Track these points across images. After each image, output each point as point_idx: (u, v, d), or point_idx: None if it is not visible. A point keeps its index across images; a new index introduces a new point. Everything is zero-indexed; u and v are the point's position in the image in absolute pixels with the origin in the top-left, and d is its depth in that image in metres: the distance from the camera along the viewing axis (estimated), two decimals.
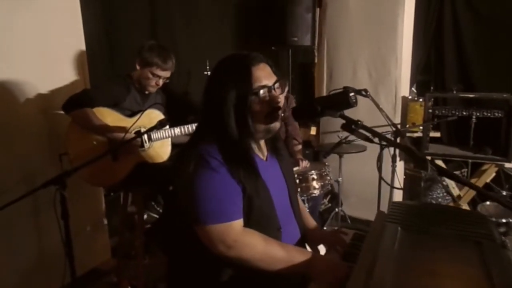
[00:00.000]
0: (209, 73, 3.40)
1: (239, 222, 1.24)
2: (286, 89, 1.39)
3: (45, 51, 2.36)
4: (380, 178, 2.46)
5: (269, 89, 1.29)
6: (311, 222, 1.65)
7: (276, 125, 1.33)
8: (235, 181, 1.23)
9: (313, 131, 4.32)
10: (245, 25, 4.10)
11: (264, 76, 1.29)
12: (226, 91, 1.26)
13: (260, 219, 1.29)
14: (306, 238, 1.55)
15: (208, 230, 1.21)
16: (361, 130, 1.29)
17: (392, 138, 2.51)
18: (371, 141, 1.30)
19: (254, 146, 1.37)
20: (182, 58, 3.58)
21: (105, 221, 2.87)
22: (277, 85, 1.31)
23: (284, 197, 1.46)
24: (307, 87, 4.61)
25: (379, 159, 2.63)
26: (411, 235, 1.27)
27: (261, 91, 1.27)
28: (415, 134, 3.45)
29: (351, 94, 1.29)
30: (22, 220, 2.29)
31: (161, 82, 2.35)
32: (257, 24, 4.11)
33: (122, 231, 2.70)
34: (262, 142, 1.41)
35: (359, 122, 1.29)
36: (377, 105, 2.47)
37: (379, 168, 2.49)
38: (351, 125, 1.29)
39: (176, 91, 3.61)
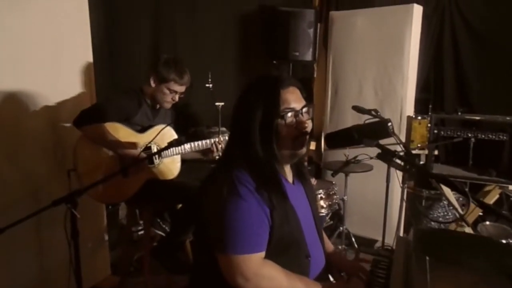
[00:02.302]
0: (210, 85, 3.41)
1: (260, 255, 1.21)
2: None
3: (53, 63, 2.30)
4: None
5: (296, 113, 1.27)
6: (329, 245, 1.63)
7: (303, 151, 1.31)
8: (264, 210, 1.20)
9: (312, 145, 4.31)
10: (248, 39, 4.11)
11: (293, 100, 1.27)
12: (253, 112, 1.24)
13: (290, 246, 1.27)
14: (328, 265, 1.53)
15: (229, 259, 1.18)
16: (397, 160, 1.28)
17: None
18: (408, 171, 1.29)
19: (281, 169, 1.35)
20: None
21: (106, 237, 2.79)
22: (305, 109, 1.29)
23: (310, 223, 1.44)
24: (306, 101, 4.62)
25: (388, 179, 2.65)
26: (441, 267, 1.25)
27: (288, 115, 1.25)
28: (414, 152, 3.47)
29: (389, 123, 1.28)
30: (24, 236, 2.20)
31: (177, 97, 2.32)
32: (259, 38, 4.12)
33: (126, 248, 2.63)
34: (288, 166, 1.39)
35: (396, 153, 1.28)
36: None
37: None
38: (388, 155, 1.28)
39: (177, 102, 3.59)
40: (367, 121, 1.34)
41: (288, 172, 1.39)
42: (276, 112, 1.24)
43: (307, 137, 1.31)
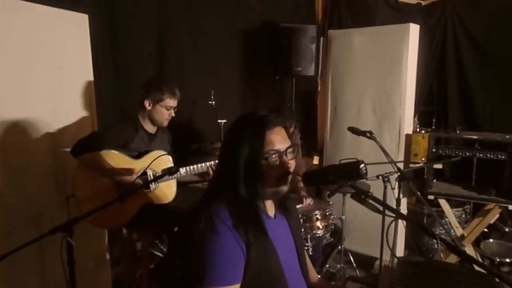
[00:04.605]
0: (213, 103, 3.46)
1: (234, 287, 1.24)
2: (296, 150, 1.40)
3: (54, 89, 2.37)
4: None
5: (281, 154, 1.29)
6: (314, 275, 1.66)
7: (285, 188, 1.34)
8: (241, 245, 1.23)
9: (315, 160, 4.33)
10: (251, 55, 4.15)
11: (278, 141, 1.30)
12: (238, 151, 1.27)
13: (268, 281, 1.29)
14: None
15: None
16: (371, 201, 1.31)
17: (397, 182, 2.55)
18: (380, 212, 1.31)
19: (262, 204, 1.38)
20: (188, 86, 3.61)
21: (108, 256, 2.86)
22: (289, 150, 1.32)
23: (292, 256, 1.46)
24: (309, 114, 4.65)
25: (384, 198, 2.65)
26: None
27: (272, 156, 1.28)
28: (417, 165, 3.46)
29: (361, 165, 1.30)
30: (27, 257, 2.25)
31: (173, 113, 2.42)
32: (262, 53, 4.16)
33: (128, 264, 2.69)
34: (270, 200, 1.42)
35: (369, 193, 1.31)
36: (382, 148, 2.48)
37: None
38: (361, 196, 1.31)
39: (181, 119, 3.64)
40: (342, 161, 1.37)
41: (269, 207, 1.41)
42: (261, 154, 1.27)
43: (290, 176, 1.34)
